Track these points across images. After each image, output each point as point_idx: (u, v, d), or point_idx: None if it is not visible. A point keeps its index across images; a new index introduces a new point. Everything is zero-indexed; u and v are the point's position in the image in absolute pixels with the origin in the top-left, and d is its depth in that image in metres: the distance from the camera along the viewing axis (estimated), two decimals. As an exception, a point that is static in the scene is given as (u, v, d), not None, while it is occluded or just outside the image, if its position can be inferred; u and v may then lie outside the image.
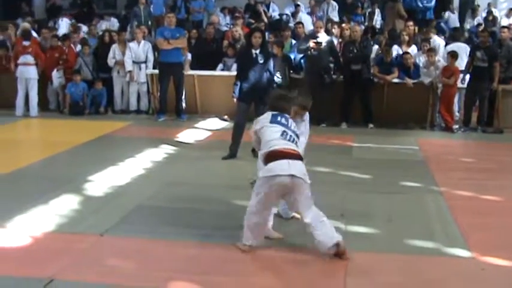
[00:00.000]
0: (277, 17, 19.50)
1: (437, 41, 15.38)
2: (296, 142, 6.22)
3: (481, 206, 7.97)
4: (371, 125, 13.61)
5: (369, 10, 20.45)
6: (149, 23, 17.54)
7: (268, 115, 6.33)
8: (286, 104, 6.46)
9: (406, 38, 14.96)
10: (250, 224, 6.15)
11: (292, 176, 5.94)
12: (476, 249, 6.35)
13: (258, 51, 10.12)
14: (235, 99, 10.40)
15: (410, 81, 13.55)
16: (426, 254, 6.30)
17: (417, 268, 5.94)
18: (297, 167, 6.00)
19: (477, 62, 13.51)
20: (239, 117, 10.34)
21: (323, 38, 13.67)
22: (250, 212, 6.17)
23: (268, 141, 6.13)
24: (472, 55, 13.71)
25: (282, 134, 6.13)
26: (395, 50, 14.58)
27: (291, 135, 6.19)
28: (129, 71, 14.74)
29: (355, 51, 13.67)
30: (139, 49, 14.86)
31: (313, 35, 14.06)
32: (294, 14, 19.48)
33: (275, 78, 11.75)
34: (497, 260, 6.10)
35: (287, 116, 6.37)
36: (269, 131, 6.18)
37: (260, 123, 6.33)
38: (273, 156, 6.02)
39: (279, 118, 6.26)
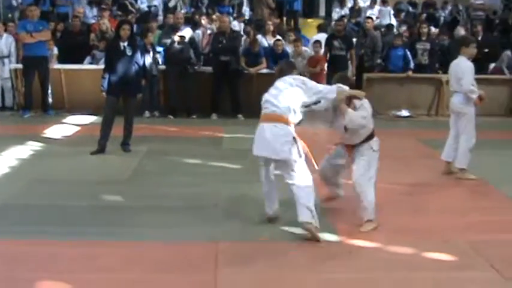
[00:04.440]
0: (146, 9, 19.32)
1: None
2: None
3: (347, 191, 8.15)
4: (240, 116, 13.74)
5: (237, 1, 20.59)
6: (9, 15, 16.88)
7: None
8: None
9: (271, 27, 15.18)
10: (372, 197, 6.70)
11: None
12: (343, 233, 6.56)
13: (126, 44, 10.02)
14: (103, 93, 10.23)
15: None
16: (296, 240, 6.42)
17: (287, 254, 6.06)
18: None
19: (335, 50, 13.95)
20: (107, 111, 10.17)
21: (186, 31, 13.76)
22: (371, 184, 6.69)
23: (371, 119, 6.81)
24: (328, 44, 14.09)
25: None
26: (263, 40, 14.78)
27: None
28: (-8, 66, 14.22)
29: (224, 42, 13.74)
30: (2, 43, 14.36)
31: (175, 27, 14.04)
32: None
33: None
34: (362, 241, 6.35)
35: None
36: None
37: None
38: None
39: None
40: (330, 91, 6.67)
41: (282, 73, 6.83)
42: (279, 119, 6.40)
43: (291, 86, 6.54)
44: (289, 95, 6.47)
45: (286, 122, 6.40)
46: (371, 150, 6.75)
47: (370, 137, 6.79)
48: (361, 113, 6.67)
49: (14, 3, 18.29)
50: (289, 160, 6.36)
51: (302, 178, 6.42)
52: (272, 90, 6.59)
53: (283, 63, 7.51)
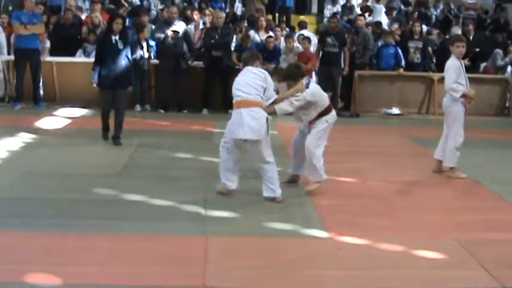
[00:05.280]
0: (138, 2, 19.26)
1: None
2: None
3: (338, 188, 8.22)
4: (231, 111, 13.67)
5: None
6: (9, 8, 16.77)
7: (301, 84, 7.61)
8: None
9: (264, 23, 15.19)
10: (318, 159, 7.72)
11: None
12: (333, 229, 6.58)
13: (117, 37, 10.07)
14: (94, 85, 10.30)
15: (271, 66, 13.67)
16: (285, 236, 6.44)
17: (277, 250, 6.08)
18: None
19: (328, 47, 13.94)
20: (104, 104, 10.33)
21: (180, 26, 13.72)
22: (319, 149, 7.72)
23: (325, 98, 7.84)
24: (321, 41, 14.09)
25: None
26: (255, 36, 14.78)
27: None
28: (-17, 58, 14.14)
29: (217, 37, 13.73)
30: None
31: (168, 21, 13.99)
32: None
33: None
34: (351, 238, 6.35)
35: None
36: (318, 90, 7.79)
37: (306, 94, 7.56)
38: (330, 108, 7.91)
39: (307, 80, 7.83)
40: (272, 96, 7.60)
41: (245, 63, 7.75)
42: (253, 104, 7.30)
43: (255, 75, 7.42)
44: (255, 83, 7.36)
45: (260, 106, 7.31)
46: (325, 123, 7.78)
47: (324, 113, 7.78)
48: (288, 102, 7.61)
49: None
50: (262, 139, 7.28)
51: (269, 155, 7.42)
52: (240, 78, 7.50)
53: (248, 53, 8.28)
